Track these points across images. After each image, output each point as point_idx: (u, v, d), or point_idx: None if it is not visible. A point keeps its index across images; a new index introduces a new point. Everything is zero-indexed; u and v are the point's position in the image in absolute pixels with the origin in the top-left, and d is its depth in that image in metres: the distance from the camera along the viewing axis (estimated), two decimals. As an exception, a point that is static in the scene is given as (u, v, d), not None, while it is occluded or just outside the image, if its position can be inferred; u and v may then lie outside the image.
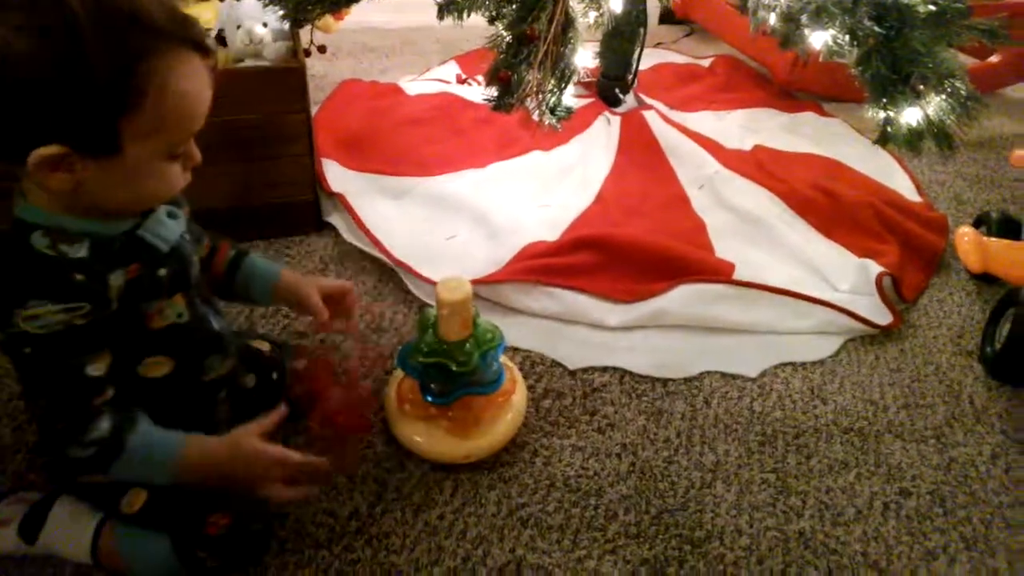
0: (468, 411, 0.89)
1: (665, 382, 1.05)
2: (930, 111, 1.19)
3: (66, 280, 0.61)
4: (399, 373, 0.95)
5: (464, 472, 0.90)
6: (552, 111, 1.11)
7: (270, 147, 1.18)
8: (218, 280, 0.82)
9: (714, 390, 1.05)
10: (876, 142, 1.23)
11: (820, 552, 0.85)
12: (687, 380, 1.06)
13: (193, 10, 1.35)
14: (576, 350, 1.08)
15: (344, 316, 0.87)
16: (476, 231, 1.28)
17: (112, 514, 0.74)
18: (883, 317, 1.17)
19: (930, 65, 1.16)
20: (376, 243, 1.23)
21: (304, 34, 1.30)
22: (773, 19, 1.40)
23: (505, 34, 1.09)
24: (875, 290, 1.19)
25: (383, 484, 0.88)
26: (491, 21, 1.14)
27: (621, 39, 1.55)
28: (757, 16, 1.43)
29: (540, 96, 1.07)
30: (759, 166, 1.49)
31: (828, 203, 1.38)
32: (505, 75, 1.04)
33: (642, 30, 1.57)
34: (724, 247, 1.28)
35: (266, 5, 1.27)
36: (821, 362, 1.12)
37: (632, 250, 1.20)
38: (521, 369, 1.05)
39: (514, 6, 1.09)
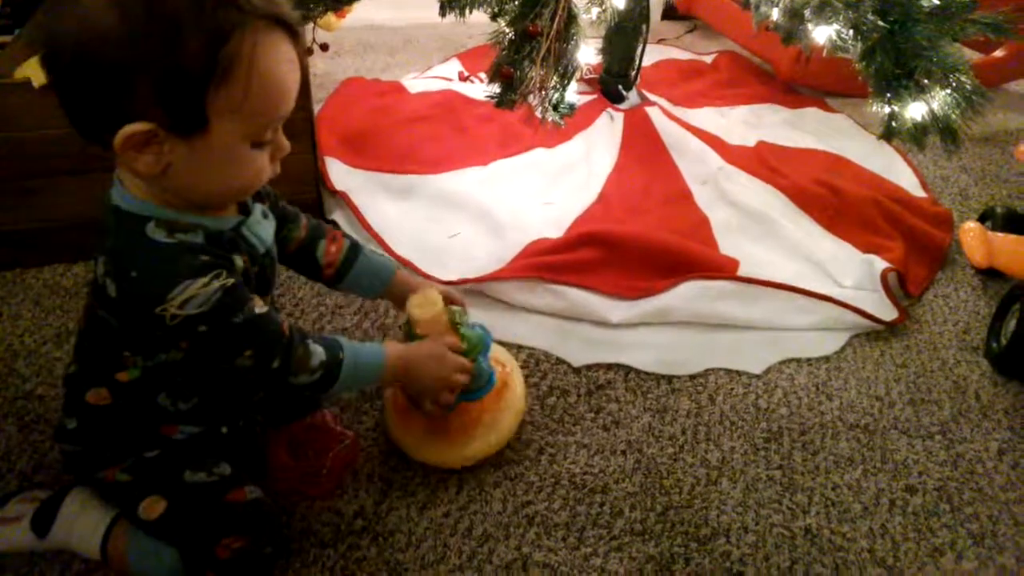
0: (463, 416, 0.88)
1: (670, 379, 1.05)
2: (935, 106, 1.18)
3: (199, 259, 0.61)
4: None
5: (469, 470, 0.90)
6: (555, 108, 1.10)
7: (273, 145, 1.18)
8: (332, 268, 0.85)
9: (719, 387, 1.05)
10: (880, 137, 1.22)
11: (826, 549, 0.85)
12: (692, 377, 1.06)
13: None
14: (580, 347, 1.08)
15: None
16: (479, 229, 1.28)
17: (128, 516, 0.73)
18: (888, 313, 1.17)
19: (934, 59, 1.16)
20: (379, 241, 1.23)
21: (306, 32, 1.30)
22: (776, 14, 1.40)
23: (507, 30, 1.08)
24: (880, 286, 1.19)
25: (388, 482, 0.88)
26: (493, 17, 1.13)
27: (624, 35, 1.55)
28: (760, 11, 1.42)
29: (543, 92, 1.06)
30: (762, 162, 1.49)
31: (832, 199, 1.38)
32: (508, 71, 1.04)
33: (644, 26, 1.56)
34: (728, 243, 1.27)
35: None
36: (826, 358, 1.11)
37: (636, 247, 1.20)
38: (525, 367, 1.04)
39: (516, 2, 1.09)
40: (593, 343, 1.09)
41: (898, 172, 1.56)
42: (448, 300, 0.86)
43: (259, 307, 0.65)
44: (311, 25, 1.28)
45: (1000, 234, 1.27)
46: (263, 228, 0.70)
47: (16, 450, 0.87)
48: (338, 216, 1.29)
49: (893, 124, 1.21)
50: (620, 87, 1.61)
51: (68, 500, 0.76)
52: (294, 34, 0.61)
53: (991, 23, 1.19)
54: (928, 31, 1.15)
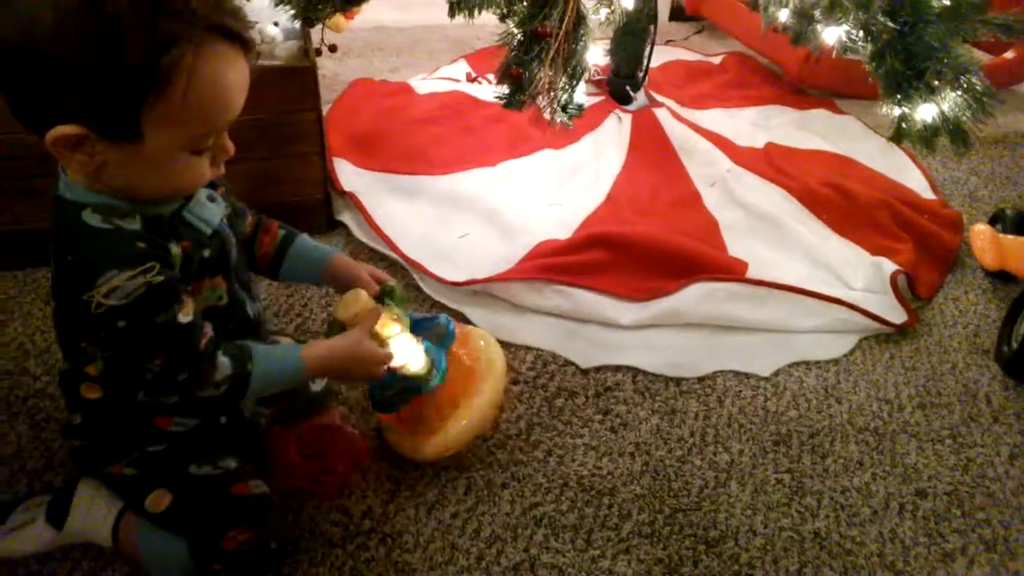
0: (428, 409, 0.86)
1: (678, 381, 1.05)
2: (945, 107, 1.17)
3: (132, 247, 0.60)
4: None
5: (478, 471, 0.90)
6: (564, 108, 1.10)
7: (282, 146, 1.18)
8: (267, 259, 0.82)
9: (728, 389, 1.04)
10: (890, 139, 1.22)
11: (836, 552, 0.85)
12: (700, 379, 1.05)
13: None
14: (588, 349, 1.08)
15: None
16: (487, 229, 1.28)
17: (135, 508, 0.74)
18: (898, 316, 1.16)
19: (945, 60, 1.15)
20: (388, 242, 1.23)
21: (315, 33, 1.30)
22: (784, 15, 1.40)
23: (516, 31, 1.08)
24: (889, 288, 1.18)
25: (396, 482, 0.88)
26: (502, 19, 1.13)
27: (632, 36, 1.54)
28: (768, 12, 1.42)
29: (552, 93, 1.06)
30: (771, 163, 1.49)
31: (841, 201, 1.37)
32: (517, 72, 1.04)
33: (652, 27, 1.56)
34: (737, 245, 1.27)
35: (277, 4, 1.27)
36: (835, 361, 1.11)
37: (644, 248, 1.19)
38: (533, 368, 1.04)
39: (525, 3, 1.09)
40: (601, 345, 1.09)
41: (907, 174, 1.56)
42: (378, 280, 0.82)
43: (185, 315, 0.63)
44: (319, 26, 1.28)
45: (1010, 236, 1.26)
46: (207, 210, 0.68)
47: (28, 448, 0.87)
48: (347, 217, 1.30)
49: (903, 126, 1.20)
50: (628, 88, 1.61)
51: (80, 490, 0.77)
52: (242, 42, 0.59)
53: (1002, 24, 1.19)
54: (939, 32, 1.15)
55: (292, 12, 1.23)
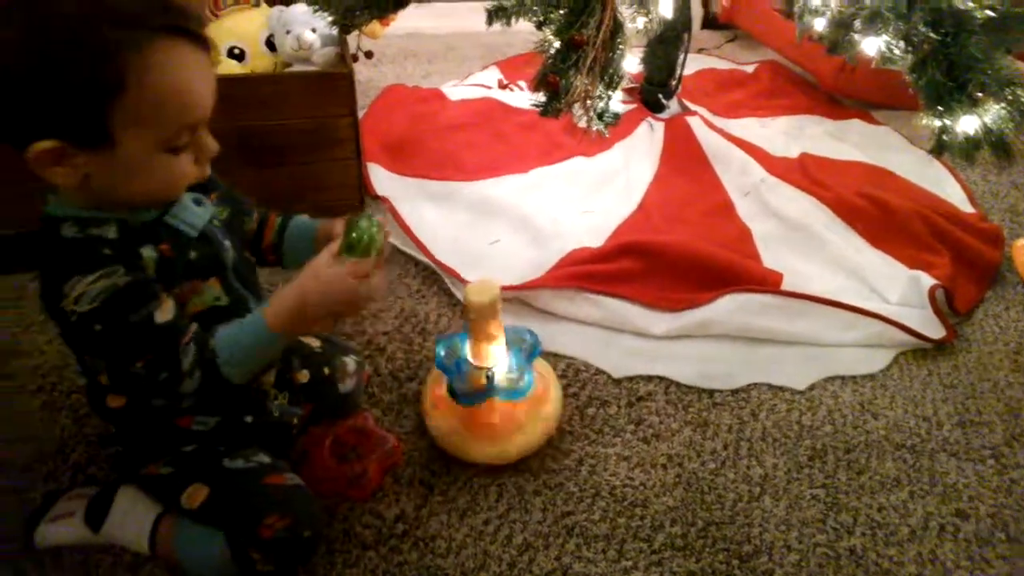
0: (494, 415, 0.89)
1: (712, 393, 1.04)
2: (988, 119, 1.15)
3: (96, 254, 0.62)
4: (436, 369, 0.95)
5: (509, 477, 0.90)
6: (600, 117, 1.10)
7: (318, 150, 1.20)
8: (270, 248, 0.82)
9: (762, 402, 1.03)
10: (931, 151, 1.20)
11: (872, 572, 0.83)
12: (734, 391, 1.04)
13: (243, 15, 1.38)
14: (621, 358, 1.07)
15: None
16: (519, 236, 1.28)
17: (172, 508, 0.75)
18: (936, 331, 1.14)
19: (988, 72, 1.13)
20: (420, 246, 1.23)
21: (351, 40, 1.32)
22: (820, 24, 1.38)
23: (553, 39, 1.08)
24: (928, 303, 1.16)
25: (429, 487, 0.88)
26: (539, 26, 1.13)
27: (665, 44, 1.54)
28: (803, 21, 1.41)
29: (588, 102, 1.06)
30: (806, 174, 1.47)
31: (877, 212, 1.35)
32: (554, 80, 1.04)
33: (686, 35, 1.55)
34: (771, 256, 1.26)
35: (315, 11, 1.29)
36: (871, 376, 1.09)
37: (678, 258, 1.19)
38: (564, 376, 1.04)
39: (562, 12, 1.09)
40: (633, 354, 1.08)
41: (945, 186, 1.53)
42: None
43: (161, 315, 0.63)
44: (356, 33, 1.30)
45: (1054, 252, 1.24)
46: (191, 213, 0.68)
47: (71, 442, 0.89)
48: (379, 221, 1.31)
49: (944, 138, 1.18)
50: (661, 96, 1.61)
51: (118, 497, 0.78)
52: (194, 38, 0.60)
53: (1048, 36, 1.16)
54: (982, 43, 1.13)
55: (330, 19, 1.25)
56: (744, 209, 1.37)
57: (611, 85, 1.09)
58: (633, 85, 1.64)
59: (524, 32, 1.18)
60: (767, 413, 1.02)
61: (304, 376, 0.87)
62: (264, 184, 1.16)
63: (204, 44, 0.62)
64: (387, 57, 1.93)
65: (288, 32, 1.32)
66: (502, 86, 1.76)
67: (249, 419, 0.77)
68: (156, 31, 0.58)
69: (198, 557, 0.73)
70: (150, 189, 0.64)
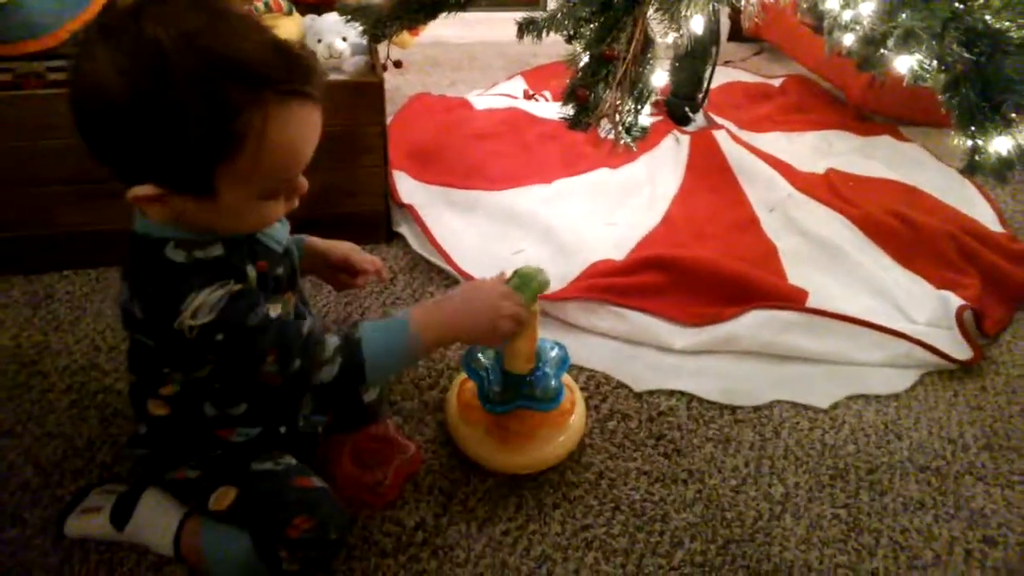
0: (522, 425, 0.89)
1: (734, 409, 1.03)
2: (1022, 140, 1.14)
3: (208, 271, 0.63)
4: (462, 375, 0.95)
5: (529, 488, 0.90)
6: (628, 131, 1.11)
7: (347, 158, 1.21)
8: None
9: (784, 420, 1.03)
10: (963, 171, 1.18)
11: (895, 596, 0.82)
12: (756, 408, 1.04)
13: (276, 24, 1.40)
14: (642, 372, 1.07)
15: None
16: (542, 247, 1.28)
17: (199, 510, 0.76)
18: (963, 352, 1.12)
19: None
20: (444, 255, 1.24)
21: (381, 49, 1.34)
22: (850, 40, 1.37)
23: (583, 53, 1.09)
24: (955, 323, 1.14)
25: (448, 496, 0.89)
26: (569, 40, 1.14)
27: (693, 58, 1.54)
28: (833, 36, 1.40)
29: (617, 116, 1.06)
30: (833, 190, 1.46)
31: (905, 231, 1.34)
32: (583, 94, 1.05)
33: (714, 48, 1.55)
34: (797, 273, 1.25)
35: (347, 21, 1.31)
36: (896, 396, 1.08)
37: (702, 272, 1.18)
38: (585, 389, 1.04)
39: (593, 26, 1.10)
40: (655, 368, 1.08)
41: (974, 205, 1.51)
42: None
43: (273, 311, 0.65)
44: (386, 42, 1.31)
45: (1087, 275, 1.22)
46: (277, 230, 0.71)
47: (97, 441, 0.91)
48: (404, 229, 1.32)
49: (976, 158, 1.17)
50: (687, 109, 1.60)
51: (144, 498, 0.80)
52: (314, 100, 0.60)
53: (1084, 57, 1.15)
54: (1018, 64, 1.11)
55: (362, 28, 1.27)
56: (770, 225, 1.37)
57: (640, 99, 1.10)
58: (659, 98, 1.63)
59: (548, 43, 1.19)
60: (789, 431, 1.01)
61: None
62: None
63: (320, 100, 0.61)
64: (413, 66, 1.94)
65: (319, 41, 1.34)
66: (527, 96, 1.77)
67: (283, 429, 0.79)
68: (280, 92, 0.57)
69: (224, 556, 0.74)
70: (240, 228, 0.66)
